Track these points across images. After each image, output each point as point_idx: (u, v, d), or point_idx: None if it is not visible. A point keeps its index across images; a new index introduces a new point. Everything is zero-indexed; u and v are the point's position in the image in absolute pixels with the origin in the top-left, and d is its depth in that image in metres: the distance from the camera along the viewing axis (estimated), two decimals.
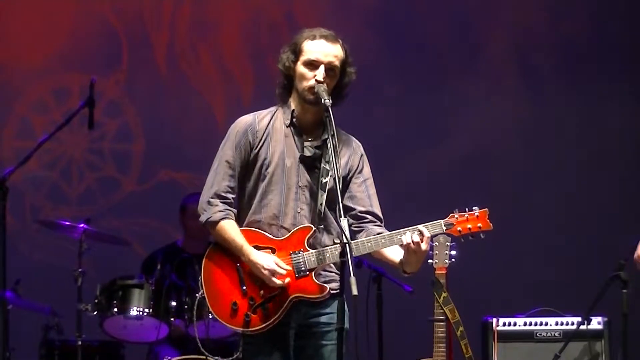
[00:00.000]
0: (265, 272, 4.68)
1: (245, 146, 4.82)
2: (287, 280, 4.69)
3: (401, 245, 4.69)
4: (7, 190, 6.40)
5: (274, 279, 4.68)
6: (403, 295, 6.94)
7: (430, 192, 8.23)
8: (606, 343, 6.63)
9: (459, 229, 4.74)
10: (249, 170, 4.83)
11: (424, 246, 4.66)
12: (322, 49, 4.76)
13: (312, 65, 4.75)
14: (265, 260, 4.70)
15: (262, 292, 4.72)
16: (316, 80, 4.73)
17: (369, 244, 4.71)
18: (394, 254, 4.78)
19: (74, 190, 8.74)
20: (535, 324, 6.69)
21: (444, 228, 4.72)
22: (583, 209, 8.53)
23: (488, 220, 4.75)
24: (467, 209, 4.74)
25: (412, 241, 4.63)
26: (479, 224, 4.74)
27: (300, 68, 4.77)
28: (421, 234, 4.65)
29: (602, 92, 8.63)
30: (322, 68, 4.74)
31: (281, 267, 4.69)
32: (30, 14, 8.73)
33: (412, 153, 8.63)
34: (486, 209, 4.75)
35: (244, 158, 4.83)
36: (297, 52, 4.78)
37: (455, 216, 4.74)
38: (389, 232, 4.73)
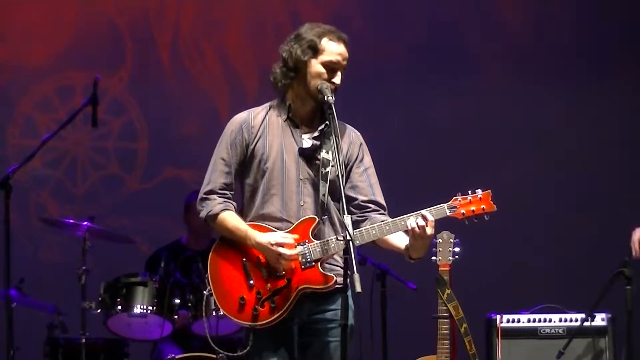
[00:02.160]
0: (273, 247, 4.66)
1: (241, 143, 4.82)
2: (297, 250, 4.66)
3: (406, 231, 4.67)
4: (11, 188, 6.42)
5: (284, 251, 4.66)
6: (407, 292, 6.95)
7: (430, 189, 8.22)
8: (610, 340, 6.62)
9: (462, 211, 4.69)
10: (247, 166, 4.83)
11: (429, 230, 4.63)
12: (342, 53, 4.77)
13: (331, 67, 4.76)
14: (271, 236, 4.69)
15: (269, 285, 4.71)
16: (335, 84, 4.73)
17: (374, 232, 4.70)
18: (399, 240, 4.76)
19: (78, 189, 8.75)
20: (539, 321, 6.68)
21: (448, 212, 4.68)
22: (586, 205, 8.53)
23: (492, 202, 4.70)
24: (469, 192, 4.70)
25: (417, 225, 4.62)
26: (482, 206, 4.69)
27: (318, 67, 4.75)
28: (425, 218, 4.64)
29: (602, 91, 8.63)
30: (339, 73, 4.77)
31: (287, 238, 4.68)
32: (34, 13, 8.73)
33: (414, 149, 8.63)
34: (489, 190, 4.71)
35: (240, 155, 4.83)
36: (316, 50, 4.75)
37: (458, 199, 4.70)
38: (392, 219, 4.72)
